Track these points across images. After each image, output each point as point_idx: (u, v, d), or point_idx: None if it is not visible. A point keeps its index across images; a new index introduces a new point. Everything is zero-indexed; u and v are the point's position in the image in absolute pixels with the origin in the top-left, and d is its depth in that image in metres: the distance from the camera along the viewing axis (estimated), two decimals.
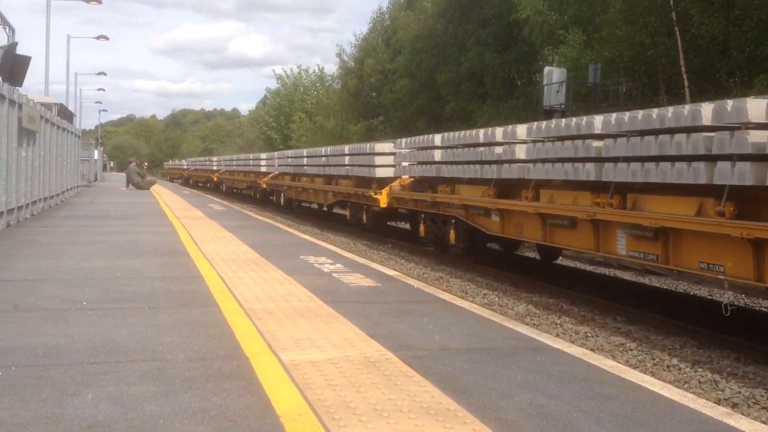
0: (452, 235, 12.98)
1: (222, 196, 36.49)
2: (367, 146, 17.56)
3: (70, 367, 4.22)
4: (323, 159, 20.68)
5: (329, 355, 4.61)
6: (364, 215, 17.38)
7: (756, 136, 6.61)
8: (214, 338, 5.00)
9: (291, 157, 25.25)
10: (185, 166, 58.91)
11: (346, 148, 19.08)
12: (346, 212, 19.00)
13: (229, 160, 39.92)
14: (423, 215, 14.30)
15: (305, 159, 22.80)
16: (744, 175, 6.62)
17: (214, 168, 42.90)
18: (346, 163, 18.41)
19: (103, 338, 4.92)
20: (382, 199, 15.91)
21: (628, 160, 8.25)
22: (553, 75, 24.61)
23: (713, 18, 22.14)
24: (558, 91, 24.23)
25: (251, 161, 32.74)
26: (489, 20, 36.31)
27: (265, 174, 28.83)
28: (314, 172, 21.77)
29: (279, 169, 26.80)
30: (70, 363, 4.31)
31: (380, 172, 16.24)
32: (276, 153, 28.95)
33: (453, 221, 12.92)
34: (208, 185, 45.46)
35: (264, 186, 28.87)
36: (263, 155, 31.13)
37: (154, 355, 4.54)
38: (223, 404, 3.65)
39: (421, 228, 14.44)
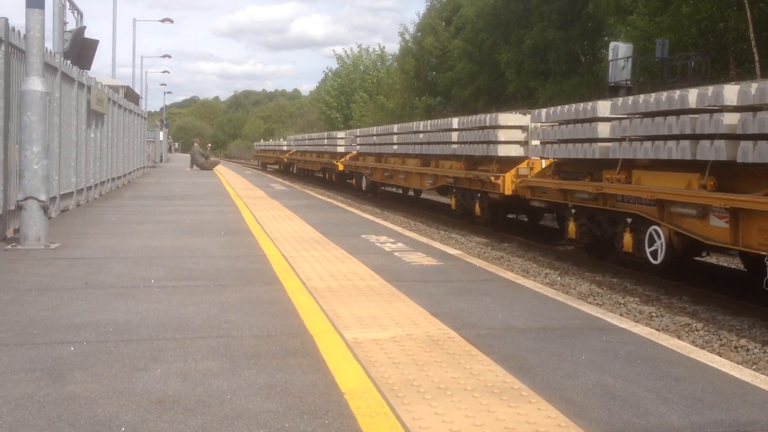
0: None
1: (290, 177, 33.57)
2: None
3: (139, 343, 4.31)
4: None
5: (392, 333, 4.62)
6: None
7: None
8: (278, 316, 5.05)
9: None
10: (285, 147, 43.61)
11: None
12: None
13: (383, 135, 21.77)
14: None
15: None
16: None
17: (340, 150, 27.59)
18: None
19: (170, 315, 5.02)
20: None
21: None
22: (619, 50, 24.07)
23: None
24: (624, 67, 23.71)
25: (468, 133, 14.81)
26: None
27: (513, 162, 13.29)
28: None
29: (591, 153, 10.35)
30: (140, 339, 4.41)
31: None
32: (580, 107, 10.90)
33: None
34: (326, 176, 30.58)
35: (527, 194, 12.54)
36: (511, 118, 13.63)
37: (220, 331, 4.61)
38: (288, 380, 3.69)
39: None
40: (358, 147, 25.24)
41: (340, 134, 28.94)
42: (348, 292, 5.85)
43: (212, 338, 4.45)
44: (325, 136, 31.51)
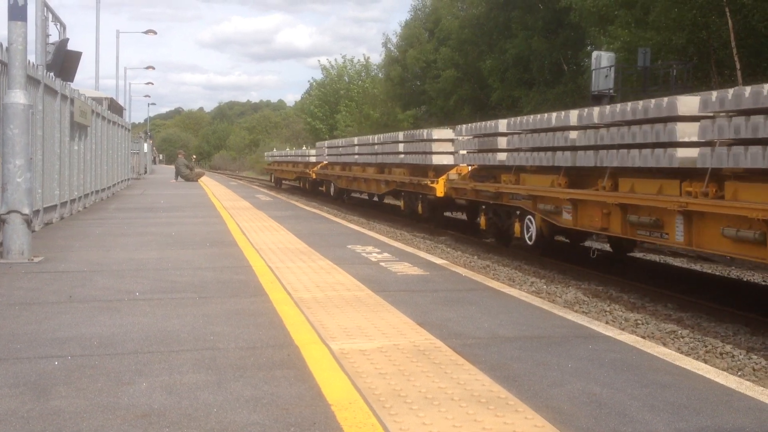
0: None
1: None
2: None
3: (124, 357, 4.29)
4: None
5: (378, 343, 4.62)
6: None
7: None
8: (264, 327, 5.03)
9: None
10: (313, 159, 30.68)
11: None
12: None
13: (635, 122, 8.97)
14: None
15: None
16: None
17: (437, 161, 15.88)
18: None
19: (156, 328, 4.99)
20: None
21: None
22: (602, 59, 24.23)
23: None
24: (606, 76, 23.87)
25: None
26: (535, 5, 35.92)
27: None
28: None
29: None
30: (125, 352, 4.38)
31: None
32: None
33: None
34: (402, 206, 19.00)
35: None
36: None
37: (205, 344, 4.59)
38: (274, 392, 3.68)
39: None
40: (502, 156, 12.96)
41: (438, 133, 16.26)
42: (334, 303, 5.84)
43: (198, 351, 4.43)
44: (401, 139, 18.67)
